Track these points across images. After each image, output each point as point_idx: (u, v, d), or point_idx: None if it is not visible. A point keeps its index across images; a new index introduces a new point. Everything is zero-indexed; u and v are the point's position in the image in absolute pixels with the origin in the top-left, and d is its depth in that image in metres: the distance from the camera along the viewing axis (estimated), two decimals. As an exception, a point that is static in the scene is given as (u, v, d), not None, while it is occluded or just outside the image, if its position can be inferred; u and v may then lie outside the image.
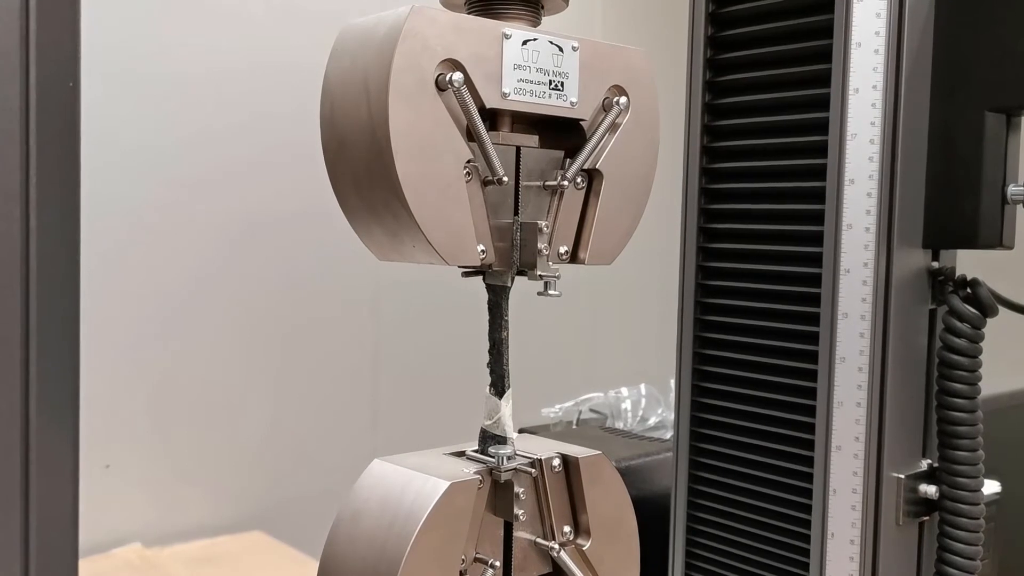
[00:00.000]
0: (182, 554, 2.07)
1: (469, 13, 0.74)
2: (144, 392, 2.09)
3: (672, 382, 1.11)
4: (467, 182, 0.69)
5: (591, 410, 1.81)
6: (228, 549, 2.13)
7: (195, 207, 2.12)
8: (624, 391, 1.82)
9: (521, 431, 1.61)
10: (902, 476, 0.95)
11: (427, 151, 0.66)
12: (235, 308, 2.19)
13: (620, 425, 1.78)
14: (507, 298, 0.76)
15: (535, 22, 0.76)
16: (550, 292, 0.74)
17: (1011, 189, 0.92)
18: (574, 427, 1.77)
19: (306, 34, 2.12)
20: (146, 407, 2.09)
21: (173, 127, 2.07)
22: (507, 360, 0.77)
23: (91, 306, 1.99)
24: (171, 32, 2.06)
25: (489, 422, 0.77)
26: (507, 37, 0.70)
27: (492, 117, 0.73)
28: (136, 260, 2.05)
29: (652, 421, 1.78)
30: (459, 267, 0.73)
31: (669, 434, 1.67)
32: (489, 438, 0.77)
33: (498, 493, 0.75)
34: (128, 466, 2.08)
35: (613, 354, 2.84)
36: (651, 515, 1.19)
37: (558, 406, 1.82)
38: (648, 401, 1.80)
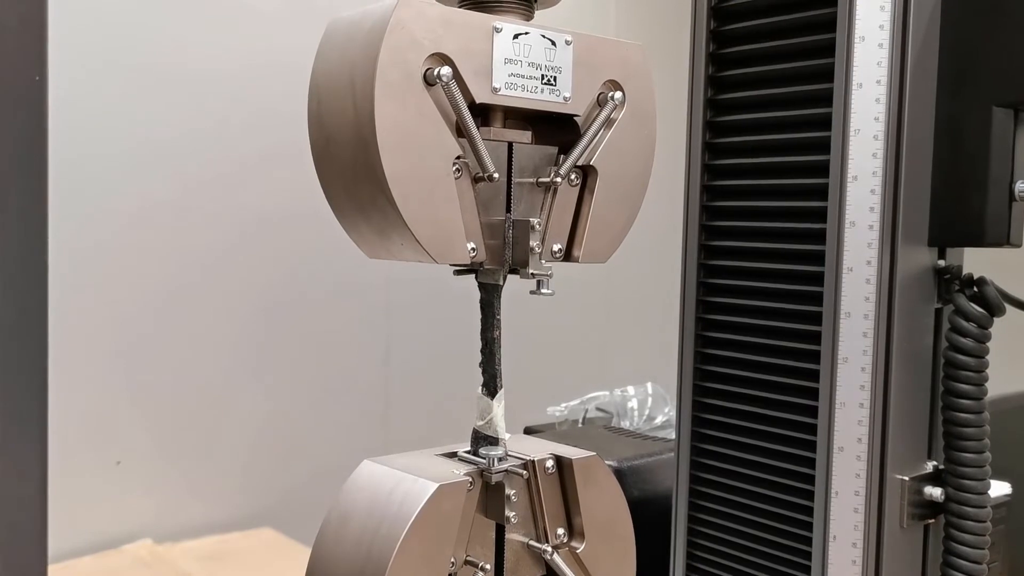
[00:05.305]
0: (192, 550, 2.08)
1: (460, 7, 0.73)
2: (155, 388, 2.09)
3: (677, 381, 1.09)
4: (456, 179, 0.68)
5: (597, 409, 1.79)
6: (238, 545, 2.13)
7: (209, 203, 2.12)
8: (630, 390, 1.80)
9: (526, 430, 1.60)
10: (906, 478, 0.94)
11: (414, 147, 0.65)
12: (247, 305, 2.19)
13: (626, 424, 1.76)
14: (499, 297, 0.75)
15: (528, 16, 0.74)
16: (543, 291, 0.72)
17: (1019, 186, 0.90)
18: (580, 426, 1.75)
19: (318, 31, 2.11)
20: (157, 404, 2.10)
21: (194, 121, 2.08)
22: (499, 359, 0.76)
23: (102, 302, 1.99)
24: (180, 28, 2.06)
25: (481, 422, 0.76)
26: (498, 31, 0.69)
27: (484, 112, 0.72)
28: (150, 256, 2.05)
29: (659, 420, 1.76)
30: (450, 265, 0.72)
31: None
32: (481, 439, 0.76)
33: (489, 495, 0.74)
34: (139, 462, 2.08)
35: (620, 353, 2.83)
36: (655, 515, 1.18)
37: (564, 405, 1.81)
38: (655, 400, 1.78)
